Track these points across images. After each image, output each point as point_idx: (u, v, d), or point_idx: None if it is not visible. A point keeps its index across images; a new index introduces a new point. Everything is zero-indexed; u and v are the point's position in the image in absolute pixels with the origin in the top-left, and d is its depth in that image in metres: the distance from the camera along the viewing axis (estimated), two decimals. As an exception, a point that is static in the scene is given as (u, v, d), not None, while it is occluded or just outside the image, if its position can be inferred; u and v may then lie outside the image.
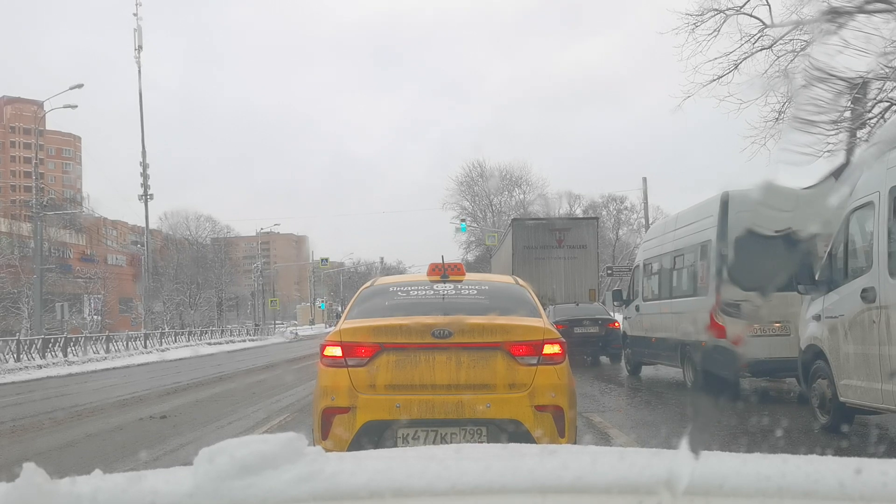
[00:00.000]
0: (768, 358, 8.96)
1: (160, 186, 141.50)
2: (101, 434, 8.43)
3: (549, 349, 4.40)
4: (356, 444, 4.16)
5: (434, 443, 4.19)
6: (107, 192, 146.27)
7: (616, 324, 16.07)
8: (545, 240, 19.97)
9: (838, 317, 6.49)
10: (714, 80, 15.71)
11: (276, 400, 11.21)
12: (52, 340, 25.22)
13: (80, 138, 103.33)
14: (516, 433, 4.14)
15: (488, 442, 4.12)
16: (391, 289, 5.33)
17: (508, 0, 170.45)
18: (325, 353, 4.51)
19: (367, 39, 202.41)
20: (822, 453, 1.16)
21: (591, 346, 15.87)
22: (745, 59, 15.55)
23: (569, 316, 15.91)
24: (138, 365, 24.06)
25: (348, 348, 4.41)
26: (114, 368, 22.56)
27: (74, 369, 21.81)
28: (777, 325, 9.17)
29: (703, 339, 9.75)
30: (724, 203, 9.62)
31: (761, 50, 15.38)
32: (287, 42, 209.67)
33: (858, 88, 12.03)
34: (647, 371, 13.71)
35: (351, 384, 4.31)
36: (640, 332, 13.27)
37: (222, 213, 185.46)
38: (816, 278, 6.84)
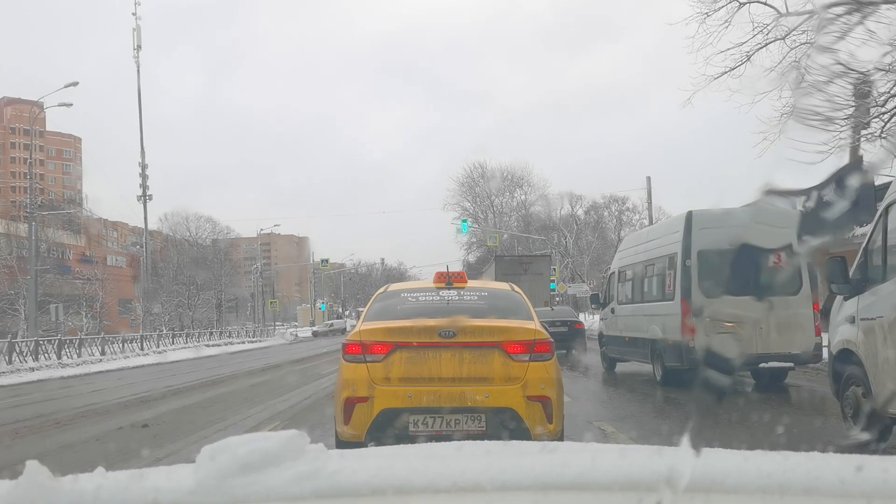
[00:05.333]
0: (726, 354, 9.66)
1: (171, 190, 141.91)
2: (76, 445, 7.87)
3: (539, 347, 5.02)
4: (374, 428, 4.84)
5: (440, 427, 4.80)
6: (112, 193, 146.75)
7: (581, 325, 20.14)
8: (516, 269, 28.26)
9: (876, 318, 5.96)
10: (725, 73, 14.92)
11: (267, 406, 10.76)
12: (46, 342, 24.52)
13: (80, 139, 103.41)
14: (511, 419, 4.79)
15: (487, 426, 4.80)
16: (402, 294, 5.98)
17: (521, 14, 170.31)
18: (347, 350, 5.13)
19: (378, 48, 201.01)
20: (823, 450, 1.16)
21: (562, 342, 18.33)
22: (758, 50, 14.69)
23: (545, 318, 17.11)
24: (133, 367, 23.57)
25: (367, 346, 5.02)
26: (108, 371, 22.09)
27: (67, 372, 21.26)
28: (729, 325, 9.96)
29: (670, 339, 11.03)
30: (689, 220, 10.96)
31: (775, 41, 14.46)
32: (296, 49, 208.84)
33: (864, 84, 11.81)
34: (634, 368, 14.31)
35: (369, 377, 4.92)
36: (615, 332, 14.47)
37: (227, 215, 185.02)
38: (850, 276, 6.32)
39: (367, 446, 5.40)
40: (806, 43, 13.78)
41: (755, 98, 14.20)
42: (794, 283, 10.41)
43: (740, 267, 9.34)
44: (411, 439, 4.67)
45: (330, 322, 68.10)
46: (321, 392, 11.90)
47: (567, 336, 18.37)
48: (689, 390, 10.50)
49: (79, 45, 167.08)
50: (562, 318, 19.23)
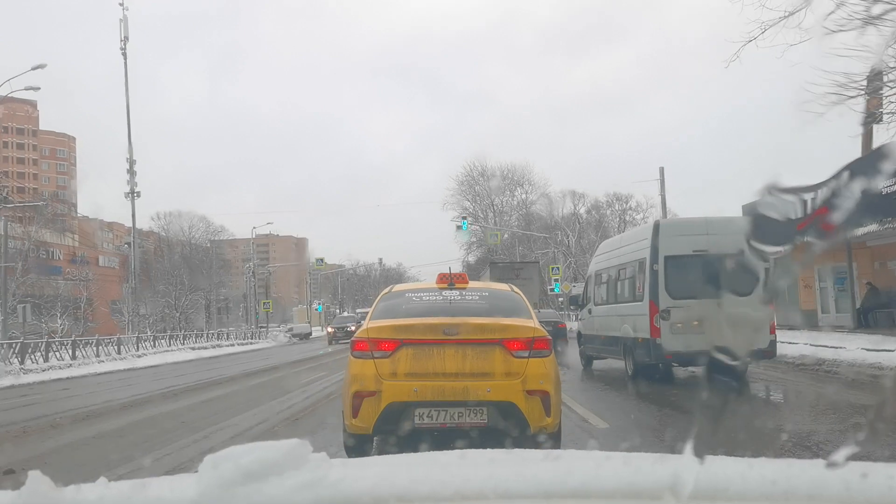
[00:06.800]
0: (688, 350, 10.68)
1: (172, 191, 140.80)
2: None
3: (538, 344, 5.26)
4: (381, 421, 5.08)
5: (444, 419, 5.04)
6: (110, 194, 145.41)
7: (563, 325, 22.08)
8: (508, 274, 29.78)
9: None
10: (783, 18, 12.70)
11: (218, 428, 8.65)
12: (7, 346, 22.60)
13: (74, 138, 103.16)
14: (511, 412, 5.01)
15: (488, 419, 5.03)
16: (407, 294, 6.24)
17: (523, 17, 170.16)
18: (355, 347, 5.36)
19: (379, 49, 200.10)
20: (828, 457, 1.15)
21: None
22: None
23: None
24: (98, 374, 21.53)
25: (374, 343, 5.27)
26: (69, 378, 19.87)
27: (28, 379, 19.43)
28: (695, 324, 11.08)
29: (639, 337, 12.01)
30: (656, 229, 12.14)
31: None
32: (298, 50, 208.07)
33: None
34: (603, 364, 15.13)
35: (377, 372, 5.15)
36: (592, 331, 15.46)
37: (228, 215, 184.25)
38: None
39: (374, 438, 5.44)
40: None
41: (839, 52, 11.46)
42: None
43: (702, 271, 10.79)
44: (417, 431, 4.95)
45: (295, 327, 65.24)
46: (287, 411, 10.15)
47: (553, 335, 20.35)
48: (658, 381, 11.35)
49: (81, 47, 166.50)
50: (548, 319, 20.78)
